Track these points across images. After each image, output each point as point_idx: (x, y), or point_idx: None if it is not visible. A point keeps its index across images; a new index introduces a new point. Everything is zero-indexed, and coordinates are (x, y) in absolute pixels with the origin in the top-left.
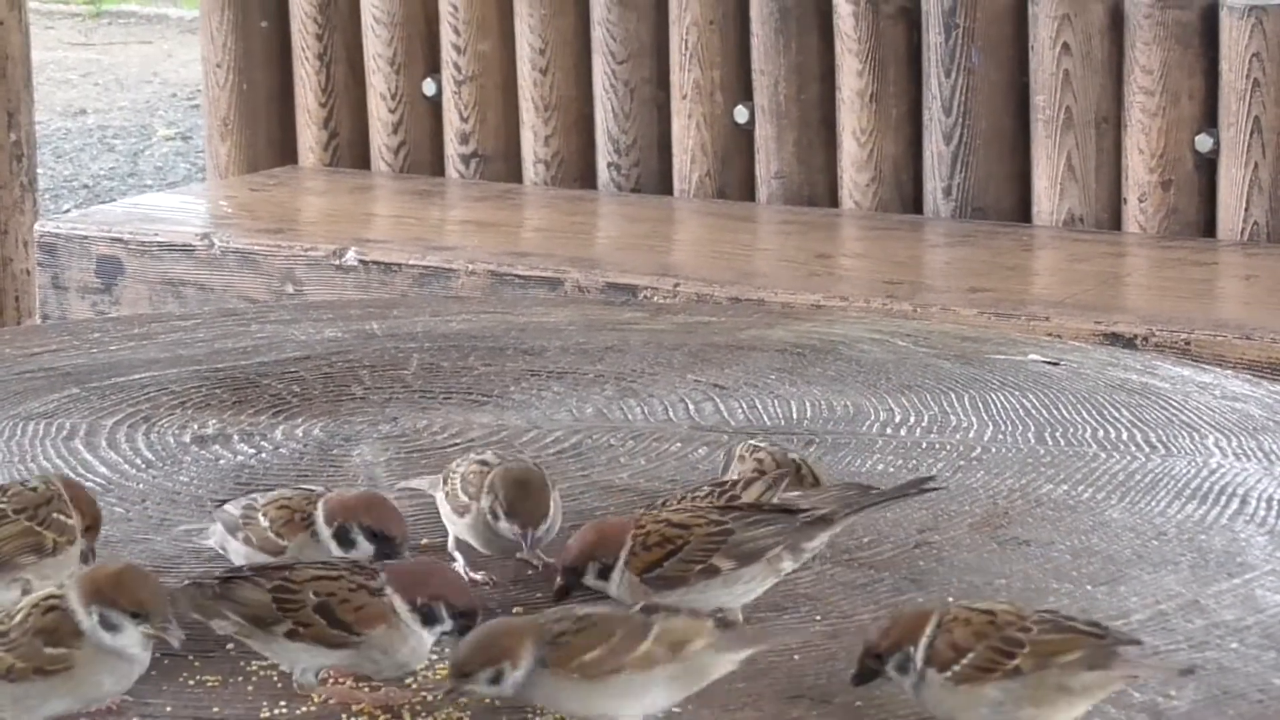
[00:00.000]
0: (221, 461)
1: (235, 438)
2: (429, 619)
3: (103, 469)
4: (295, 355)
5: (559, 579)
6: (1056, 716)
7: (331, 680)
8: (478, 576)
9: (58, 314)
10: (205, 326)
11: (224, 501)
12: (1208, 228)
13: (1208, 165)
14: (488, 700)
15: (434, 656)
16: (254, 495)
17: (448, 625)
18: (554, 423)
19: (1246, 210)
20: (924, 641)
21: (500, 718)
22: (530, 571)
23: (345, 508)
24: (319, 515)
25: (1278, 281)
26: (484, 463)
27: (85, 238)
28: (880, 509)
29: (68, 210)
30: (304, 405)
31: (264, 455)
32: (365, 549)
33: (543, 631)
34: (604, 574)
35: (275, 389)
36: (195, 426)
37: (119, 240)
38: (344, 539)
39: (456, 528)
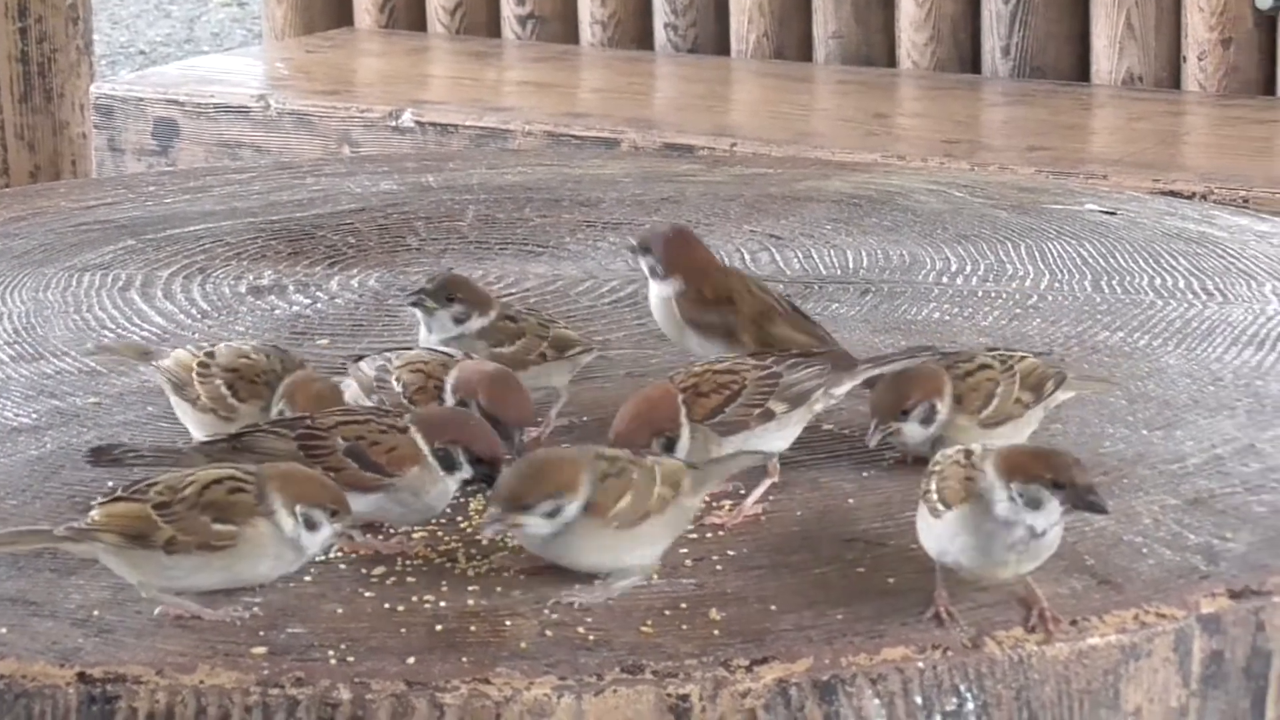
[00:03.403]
0: (277, 312)
1: (290, 288)
2: (446, 463)
3: (158, 319)
4: (351, 207)
5: None
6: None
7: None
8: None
9: (115, 175)
10: (260, 180)
11: (360, 357)
12: (1267, 85)
13: (1268, 23)
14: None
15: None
16: (388, 354)
17: (466, 472)
18: (610, 273)
19: None
20: (948, 392)
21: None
22: None
23: (470, 384)
24: (449, 385)
25: None
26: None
27: (141, 100)
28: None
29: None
30: (359, 256)
31: (319, 305)
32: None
33: (594, 467)
34: (669, 447)
35: (331, 240)
36: (251, 277)
37: (175, 102)
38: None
39: None
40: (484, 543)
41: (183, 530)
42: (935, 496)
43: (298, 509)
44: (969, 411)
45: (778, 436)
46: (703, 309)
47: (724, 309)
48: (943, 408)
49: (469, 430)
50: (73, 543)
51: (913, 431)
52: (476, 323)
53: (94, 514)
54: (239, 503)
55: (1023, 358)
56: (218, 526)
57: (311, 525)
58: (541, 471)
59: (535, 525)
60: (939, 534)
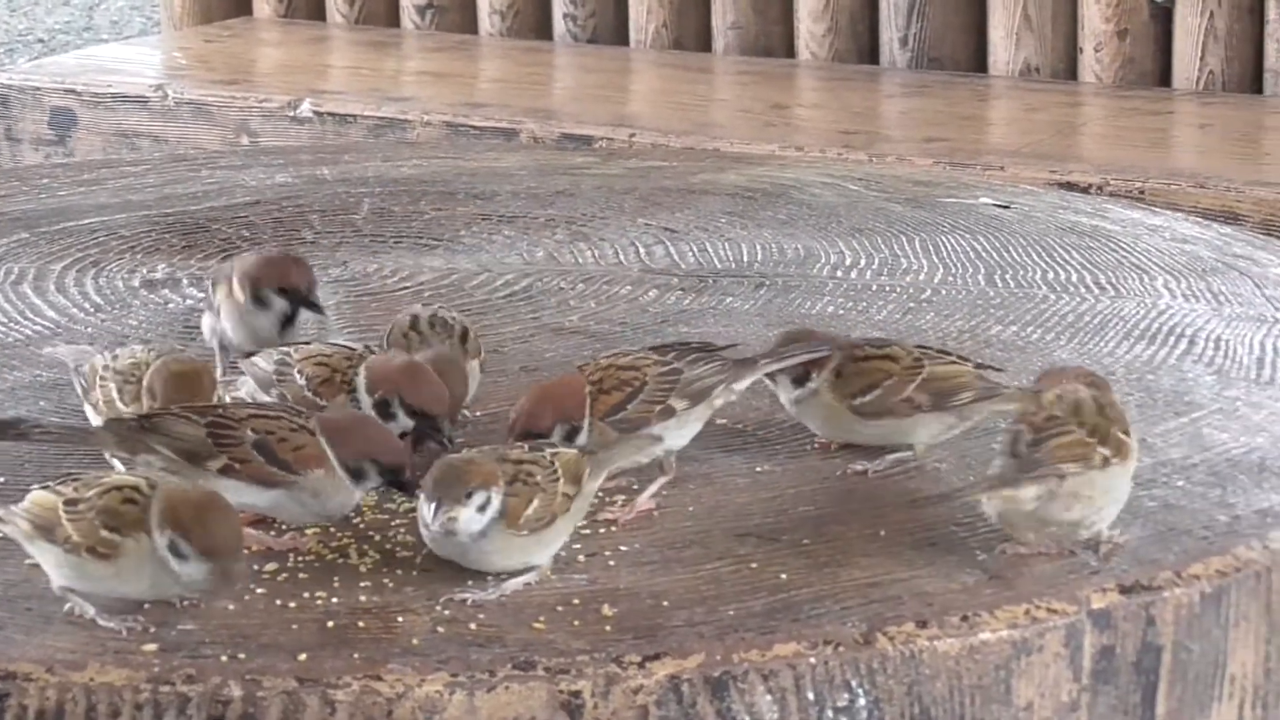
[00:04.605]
0: (170, 305)
1: (184, 282)
2: (357, 477)
3: (51, 313)
4: (245, 200)
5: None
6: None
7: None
8: None
9: (11, 166)
10: (155, 172)
11: (251, 353)
12: (1163, 77)
13: (1163, 14)
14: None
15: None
16: (285, 349)
17: (375, 481)
18: (505, 266)
19: (1202, 59)
20: (825, 370)
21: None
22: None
23: (388, 379)
24: (360, 382)
25: (1232, 130)
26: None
27: (38, 89)
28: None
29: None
30: (254, 250)
31: None
32: (404, 424)
33: (502, 469)
34: (571, 436)
35: (225, 233)
36: (144, 271)
37: (72, 91)
38: (384, 412)
39: None
40: (377, 538)
41: (78, 531)
42: (1108, 453)
43: (166, 533)
44: (843, 393)
45: (678, 433)
46: None
47: None
48: (816, 380)
49: (377, 442)
50: (1, 523)
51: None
52: None
53: (27, 497)
54: (128, 514)
55: (951, 362)
56: (104, 534)
57: (178, 554)
58: (467, 468)
59: (468, 519)
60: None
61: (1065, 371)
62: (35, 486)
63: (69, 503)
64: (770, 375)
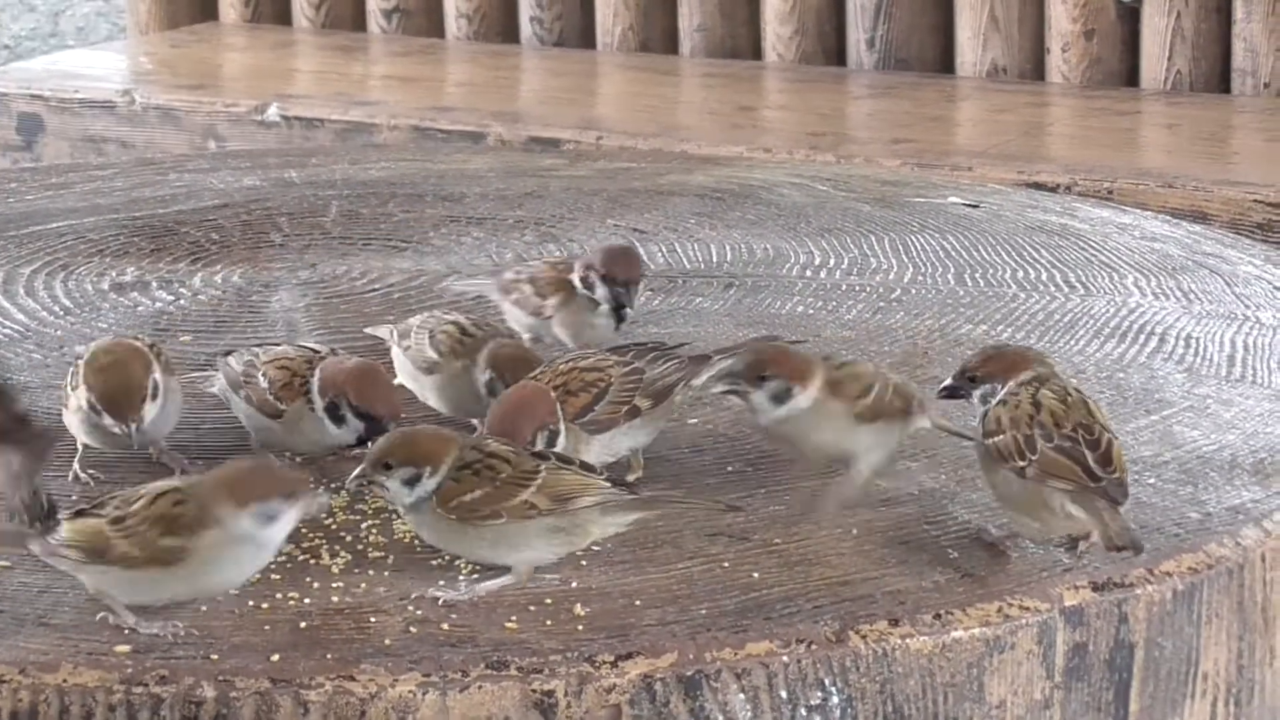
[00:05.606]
0: (140, 308)
1: (154, 285)
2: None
3: (21, 317)
4: (214, 203)
5: None
6: None
7: None
8: None
9: None
10: (123, 176)
11: (229, 351)
12: (1130, 77)
13: (1130, 14)
14: (385, 507)
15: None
16: (255, 350)
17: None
18: (473, 268)
19: (1169, 59)
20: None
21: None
22: None
23: (336, 383)
24: (314, 384)
25: (1200, 130)
26: (459, 326)
27: (5, 95)
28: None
29: None
30: (223, 252)
31: (183, 302)
32: (355, 426)
33: (462, 453)
34: (552, 440)
35: (194, 236)
36: (113, 274)
37: (39, 97)
38: (334, 415)
39: (420, 385)
40: (349, 538)
41: (134, 545)
42: None
43: (253, 509)
44: (845, 398)
45: (643, 432)
46: None
47: None
48: (803, 396)
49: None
50: (45, 555)
51: (760, 402)
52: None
53: (63, 527)
54: (184, 515)
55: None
56: (165, 541)
57: (270, 519)
58: (411, 440)
59: (394, 490)
60: None
61: (1005, 352)
62: (66, 514)
63: (114, 521)
64: (739, 390)
